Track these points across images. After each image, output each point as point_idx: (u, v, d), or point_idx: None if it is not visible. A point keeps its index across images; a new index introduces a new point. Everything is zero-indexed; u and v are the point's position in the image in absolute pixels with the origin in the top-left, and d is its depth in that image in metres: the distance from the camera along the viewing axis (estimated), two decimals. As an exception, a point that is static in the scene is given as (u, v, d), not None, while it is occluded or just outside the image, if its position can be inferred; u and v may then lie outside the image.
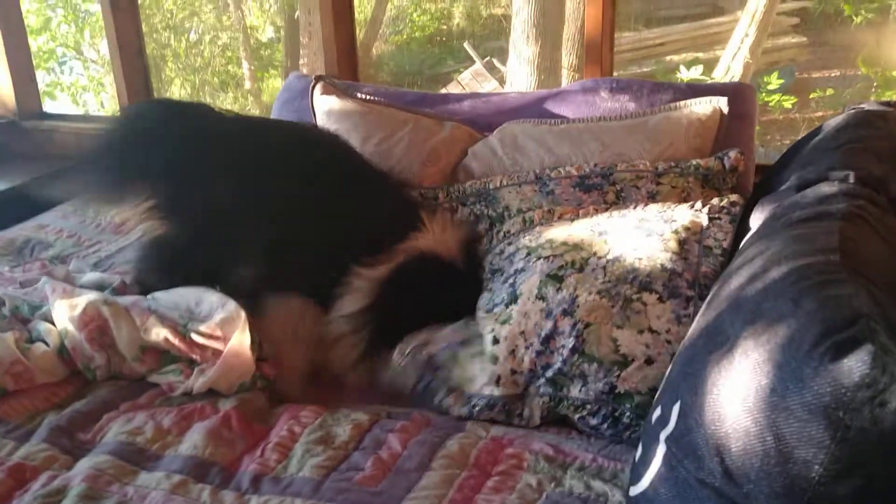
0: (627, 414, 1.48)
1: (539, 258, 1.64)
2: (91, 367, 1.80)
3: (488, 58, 9.01)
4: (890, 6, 7.77)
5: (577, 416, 1.53)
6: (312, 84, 2.47)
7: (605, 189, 1.87)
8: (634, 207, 1.75)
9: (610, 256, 1.60)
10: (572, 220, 1.75)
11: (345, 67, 2.86)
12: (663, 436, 1.08)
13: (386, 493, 1.41)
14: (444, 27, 11.21)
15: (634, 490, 1.15)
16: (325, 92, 2.43)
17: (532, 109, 2.38)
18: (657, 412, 1.16)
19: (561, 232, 1.70)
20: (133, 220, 2.19)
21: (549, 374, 1.55)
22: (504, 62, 8.74)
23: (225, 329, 1.75)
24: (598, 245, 1.63)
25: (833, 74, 8.44)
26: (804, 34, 9.39)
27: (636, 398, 1.48)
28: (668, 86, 2.32)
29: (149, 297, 1.92)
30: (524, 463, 1.48)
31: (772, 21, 8.13)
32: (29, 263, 2.37)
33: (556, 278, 1.60)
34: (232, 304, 1.78)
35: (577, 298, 1.56)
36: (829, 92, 7.19)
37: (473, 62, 8.99)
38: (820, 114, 6.68)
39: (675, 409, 1.08)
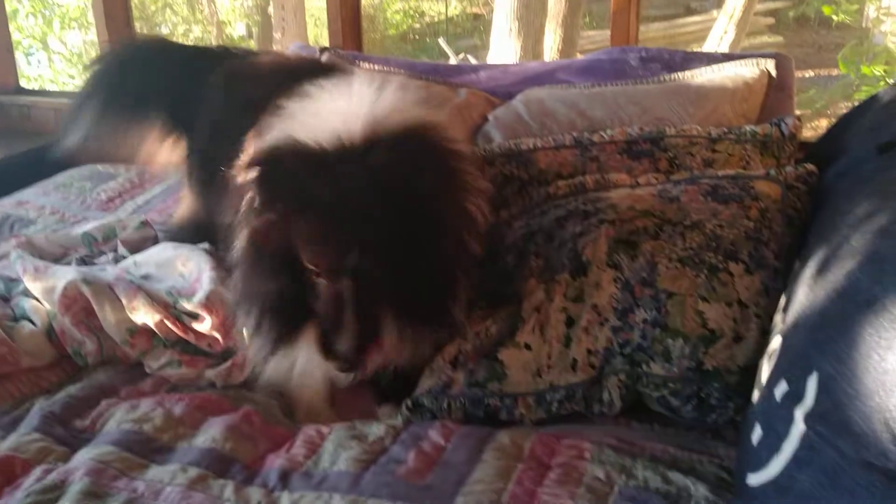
0: (715, 395, 1.32)
1: (602, 222, 1.47)
2: (81, 352, 1.59)
3: (463, 54, 8.88)
4: (865, 7, 7.82)
5: (656, 395, 1.36)
6: (318, 56, 2.30)
7: (656, 156, 1.70)
8: (701, 174, 1.59)
9: (687, 223, 1.44)
10: (633, 188, 1.58)
11: (349, 38, 2.68)
12: (800, 413, 0.92)
13: (437, 487, 1.23)
14: (417, 25, 11.10)
15: (757, 478, 0.98)
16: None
17: (555, 78, 2.22)
18: (782, 387, 1.00)
19: (623, 197, 1.52)
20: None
21: (627, 350, 1.38)
22: (478, 58, 8.62)
23: (213, 304, 1.58)
24: (671, 211, 1.47)
25: (807, 75, 8.47)
26: (780, 34, 9.44)
27: (726, 377, 1.32)
28: (701, 55, 2.18)
29: (134, 260, 1.72)
30: (586, 453, 1.30)
31: (749, 20, 8.14)
32: (4, 241, 2.16)
33: (628, 244, 1.43)
34: (213, 273, 1.64)
35: (656, 266, 1.39)
36: (812, 92, 7.17)
37: (447, 59, 8.85)
38: (808, 111, 6.65)
39: (812, 381, 0.92)
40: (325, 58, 2.28)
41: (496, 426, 1.41)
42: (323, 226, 1.28)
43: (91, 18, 8.22)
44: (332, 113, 1.36)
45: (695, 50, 8.09)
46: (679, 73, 2.00)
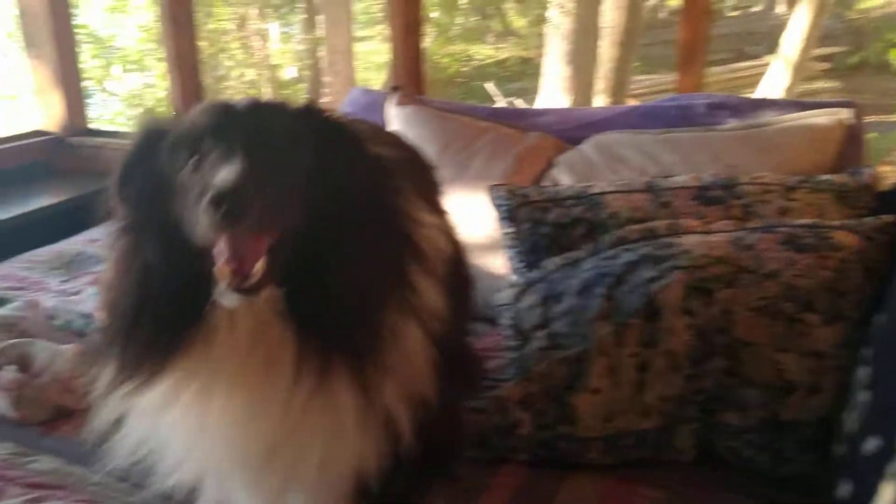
0: (790, 447, 1.30)
1: (675, 268, 1.46)
2: (156, 386, 1.62)
3: (511, 98, 8.96)
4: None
5: (729, 445, 1.35)
6: (388, 94, 2.34)
7: (729, 203, 1.69)
8: (777, 223, 1.57)
9: (763, 272, 1.43)
10: (706, 234, 1.57)
11: (412, 82, 2.73)
12: (893, 470, 0.90)
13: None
14: (465, 68, 11.25)
15: (850, 534, 0.96)
16: (402, 102, 2.30)
17: (620, 123, 2.21)
18: (871, 444, 0.98)
19: (697, 243, 1.51)
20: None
21: (701, 398, 1.36)
22: (527, 102, 8.69)
23: None
24: (747, 259, 1.45)
25: (867, 121, 8.34)
26: (836, 79, 9.38)
27: (802, 429, 1.30)
28: (770, 102, 2.18)
29: None
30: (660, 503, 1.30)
31: (805, 66, 8.10)
32: (78, 277, 2.23)
33: (702, 291, 1.42)
34: None
35: (732, 314, 1.38)
36: (872, 137, 7.07)
37: (494, 102, 8.93)
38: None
39: (906, 438, 0.90)
40: (394, 97, 2.32)
41: (564, 469, 1.41)
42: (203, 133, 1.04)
43: (149, 62, 8.53)
44: None
45: (764, 97, 8.07)
46: (751, 121, 1.99)
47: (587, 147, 2.08)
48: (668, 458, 1.41)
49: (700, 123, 2.09)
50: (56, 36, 3.18)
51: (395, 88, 2.36)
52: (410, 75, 2.74)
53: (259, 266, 0.97)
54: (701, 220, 1.66)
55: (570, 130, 2.26)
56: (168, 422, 1.08)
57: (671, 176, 1.81)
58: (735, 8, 12.21)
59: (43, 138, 3.35)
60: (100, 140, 3.32)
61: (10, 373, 1.58)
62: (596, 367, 1.43)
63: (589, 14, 7.19)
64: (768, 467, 1.35)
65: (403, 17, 2.67)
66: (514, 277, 1.81)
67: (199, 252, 1.00)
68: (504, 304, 1.77)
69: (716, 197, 1.71)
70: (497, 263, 1.96)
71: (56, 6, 3.17)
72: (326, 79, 9.64)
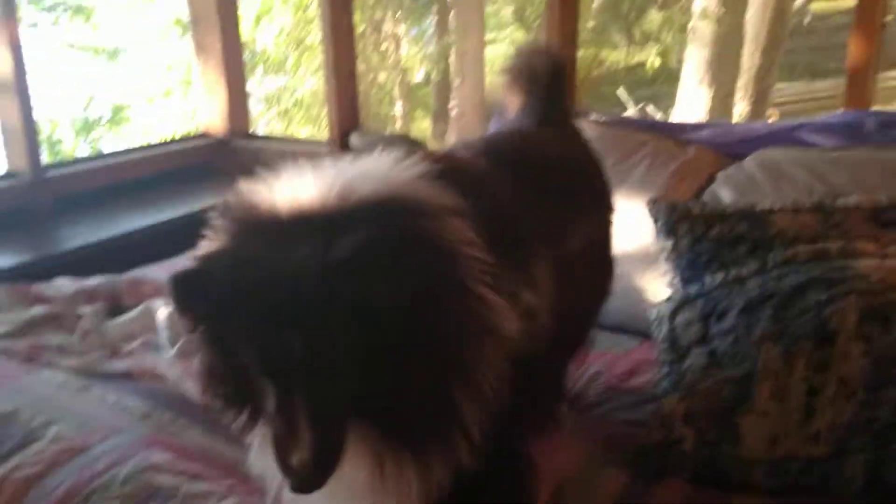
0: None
1: (851, 292, 1.44)
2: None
3: (642, 104, 8.80)
4: None
5: None
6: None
7: (907, 226, 1.64)
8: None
9: (943, 300, 1.39)
10: (882, 258, 1.54)
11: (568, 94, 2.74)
12: None
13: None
14: (595, 73, 11.10)
15: None
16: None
17: (783, 139, 2.17)
18: None
19: (873, 267, 1.48)
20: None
21: (875, 427, 1.34)
22: (660, 109, 8.53)
23: None
24: (926, 287, 1.42)
25: None
26: None
27: None
28: (950, 121, 2.08)
29: None
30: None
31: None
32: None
33: (880, 317, 1.39)
34: None
35: (910, 344, 1.35)
36: None
37: (625, 108, 8.79)
38: None
39: None
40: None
41: (727, 489, 1.41)
42: (259, 315, 0.99)
43: (288, 66, 8.87)
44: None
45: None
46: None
47: (750, 163, 2.05)
48: (835, 486, 1.39)
49: (870, 141, 2.03)
50: (225, 44, 3.36)
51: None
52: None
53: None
54: (876, 242, 1.62)
55: (730, 145, 2.23)
56: None
57: (841, 196, 1.77)
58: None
59: (207, 141, 3.54)
60: (259, 144, 3.50)
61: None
62: (763, 389, 1.42)
63: (734, 20, 7.01)
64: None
65: (560, 27, 2.68)
66: (670, 292, 1.82)
67: None
68: (659, 318, 1.78)
69: (891, 219, 1.66)
70: (652, 277, 1.96)
71: (225, 16, 3.35)
72: (455, 82, 9.78)
